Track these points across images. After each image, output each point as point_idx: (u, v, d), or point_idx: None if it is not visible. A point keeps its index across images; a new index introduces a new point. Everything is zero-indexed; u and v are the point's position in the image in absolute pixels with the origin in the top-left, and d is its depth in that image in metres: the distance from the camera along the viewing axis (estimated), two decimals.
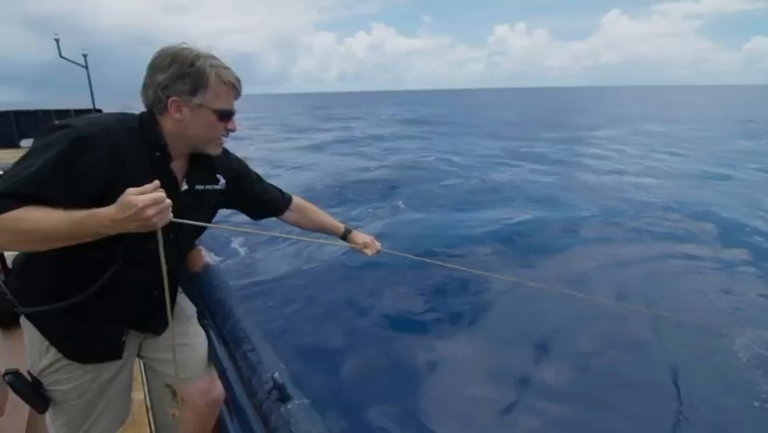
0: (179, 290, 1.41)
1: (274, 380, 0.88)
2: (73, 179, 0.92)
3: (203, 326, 1.55)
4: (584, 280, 5.43)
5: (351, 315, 4.65)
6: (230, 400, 1.43)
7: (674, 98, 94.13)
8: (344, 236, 1.64)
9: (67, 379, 1.16)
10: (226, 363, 1.37)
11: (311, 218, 1.62)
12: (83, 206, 0.91)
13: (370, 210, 9.20)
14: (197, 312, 1.54)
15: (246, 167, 1.45)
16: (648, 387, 3.55)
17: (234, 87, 1.16)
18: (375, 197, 10.30)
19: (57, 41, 14.22)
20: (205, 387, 1.42)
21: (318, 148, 20.19)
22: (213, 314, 1.32)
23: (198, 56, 1.07)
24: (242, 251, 6.36)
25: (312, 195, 10.88)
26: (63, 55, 14.64)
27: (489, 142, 20.46)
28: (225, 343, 1.18)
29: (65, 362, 1.15)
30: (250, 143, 21.94)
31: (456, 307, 4.76)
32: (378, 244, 1.63)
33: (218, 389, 1.45)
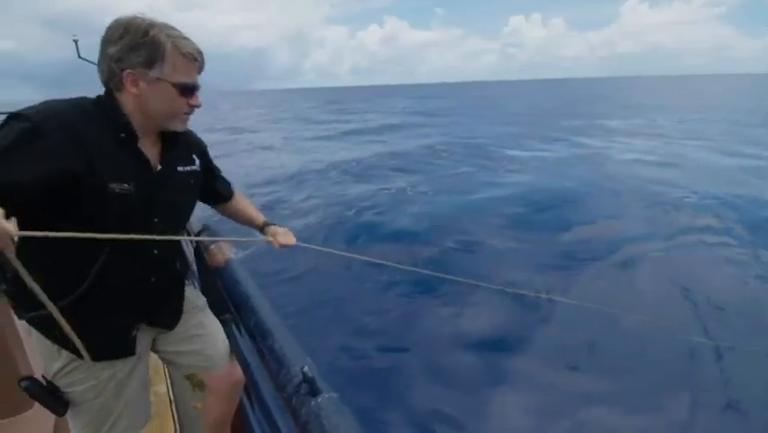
0: (186, 283, 1.39)
1: (304, 373, 0.87)
2: (21, 170, 0.85)
3: (225, 321, 1.55)
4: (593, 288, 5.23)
5: (373, 310, 4.65)
6: (254, 394, 1.43)
7: (694, 88, 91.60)
8: (262, 228, 1.60)
9: (82, 379, 1.14)
10: (251, 357, 1.37)
11: (242, 213, 1.58)
12: (36, 196, 0.87)
13: (384, 192, 9.36)
14: (220, 307, 1.54)
15: (208, 151, 1.42)
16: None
17: (195, 59, 1.08)
18: (387, 181, 10.52)
19: (75, 42, 14.45)
20: (226, 371, 1.43)
21: (334, 138, 20.57)
22: (237, 308, 1.31)
23: (153, 25, 1.01)
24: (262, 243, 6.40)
25: (323, 177, 11.16)
26: (82, 55, 14.88)
27: (501, 132, 20.36)
28: (252, 337, 1.17)
29: (78, 362, 1.12)
30: (269, 136, 22.29)
31: (464, 309, 4.68)
32: (292, 238, 1.56)
33: (238, 372, 1.46)
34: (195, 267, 1.81)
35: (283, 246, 1.53)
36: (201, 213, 1.53)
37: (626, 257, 5.82)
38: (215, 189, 1.48)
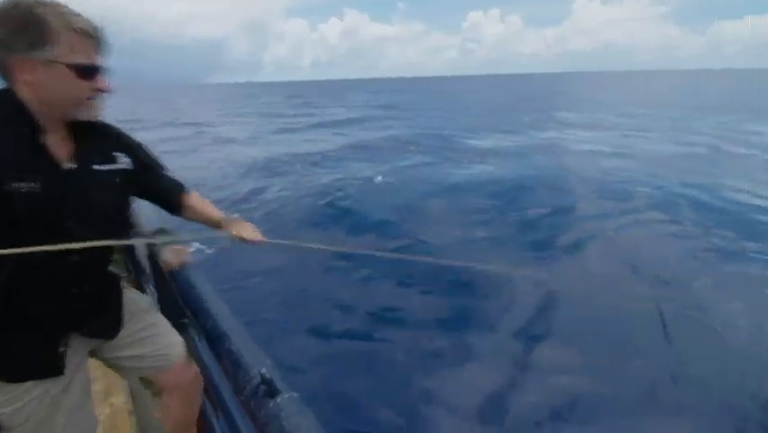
0: (125, 286, 1.32)
1: (262, 375, 0.87)
2: None
3: (183, 325, 1.51)
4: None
5: (334, 309, 4.65)
6: (216, 399, 1.41)
7: (644, 83, 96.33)
8: (222, 226, 1.48)
9: (7, 400, 1.02)
10: (210, 360, 1.34)
11: (200, 211, 1.47)
12: None
13: (352, 183, 9.50)
14: (176, 312, 1.50)
15: (147, 152, 1.30)
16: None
17: (91, 36, 0.97)
18: (354, 172, 10.66)
19: None
20: (181, 369, 1.38)
21: (298, 131, 20.45)
22: (194, 312, 1.28)
23: (40, 3, 0.91)
24: (225, 243, 6.26)
25: (289, 170, 11.10)
26: None
27: (463, 124, 20.75)
28: (209, 340, 1.15)
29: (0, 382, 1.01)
30: (231, 130, 21.85)
31: (435, 298, 4.82)
32: (257, 234, 1.45)
33: (195, 369, 1.41)
34: (149, 271, 1.75)
35: (246, 242, 1.41)
36: (155, 214, 1.47)
37: (583, 236, 6.25)
38: (158, 190, 1.36)
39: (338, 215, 7.54)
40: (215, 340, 1.08)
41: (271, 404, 0.82)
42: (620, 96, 47.36)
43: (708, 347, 3.87)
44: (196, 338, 1.45)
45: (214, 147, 15.93)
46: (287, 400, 0.82)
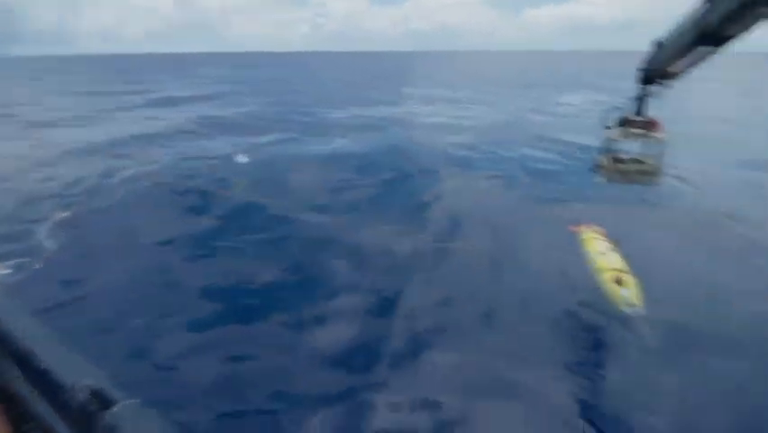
0: None
1: (90, 388, 0.79)
2: None
3: None
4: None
5: (201, 298, 4.46)
6: (43, 426, 1.22)
7: (477, 62, 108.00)
8: None
9: None
10: (25, 388, 1.16)
11: None
12: None
13: (207, 162, 9.16)
14: None
15: None
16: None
17: None
18: (207, 151, 10.23)
19: None
20: None
21: (137, 109, 18.25)
22: None
23: None
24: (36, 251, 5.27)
25: (126, 152, 10.06)
26: None
27: (319, 100, 20.74)
28: (20, 365, 0.99)
29: None
30: (48, 109, 17.98)
31: (297, 270, 4.99)
32: None
33: None
34: None
35: None
36: None
37: (431, 199, 7.12)
38: None
39: (199, 199, 7.02)
40: (27, 362, 0.93)
41: (106, 416, 0.75)
42: (456, 74, 52.21)
43: (526, 274, 4.85)
44: (5, 366, 1.23)
45: (28, 132, 13.28)
46: (123, 408, 0.76)
